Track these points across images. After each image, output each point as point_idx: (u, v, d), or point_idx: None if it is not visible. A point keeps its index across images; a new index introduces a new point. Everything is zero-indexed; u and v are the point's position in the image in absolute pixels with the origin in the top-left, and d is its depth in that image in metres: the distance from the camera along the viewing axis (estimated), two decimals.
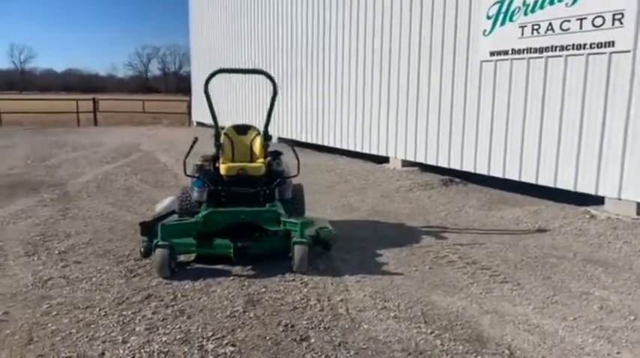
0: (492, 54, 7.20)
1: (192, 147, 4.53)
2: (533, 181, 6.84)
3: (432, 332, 3.02)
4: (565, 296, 3.61)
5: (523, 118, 6.89)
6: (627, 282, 3.91)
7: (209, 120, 4.84)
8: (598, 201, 6.13)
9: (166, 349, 2.77)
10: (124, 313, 3.21)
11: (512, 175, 7.11)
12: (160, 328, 3.02)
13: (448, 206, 6.55)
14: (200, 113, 19.95)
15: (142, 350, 2.75)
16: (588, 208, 6.06)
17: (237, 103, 16.64)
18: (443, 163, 8.27)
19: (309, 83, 12.27)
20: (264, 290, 3.61)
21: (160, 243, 3.77)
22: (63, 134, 16.38)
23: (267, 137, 4.90)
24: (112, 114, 23.42)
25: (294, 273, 3.89)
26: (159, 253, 3.74)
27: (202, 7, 20.19)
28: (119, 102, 27.71)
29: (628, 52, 5.63)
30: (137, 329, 3.01)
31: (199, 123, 20.45)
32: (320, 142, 11.94)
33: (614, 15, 5.72)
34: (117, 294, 3.50)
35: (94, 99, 22.45)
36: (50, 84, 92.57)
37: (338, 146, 11.25)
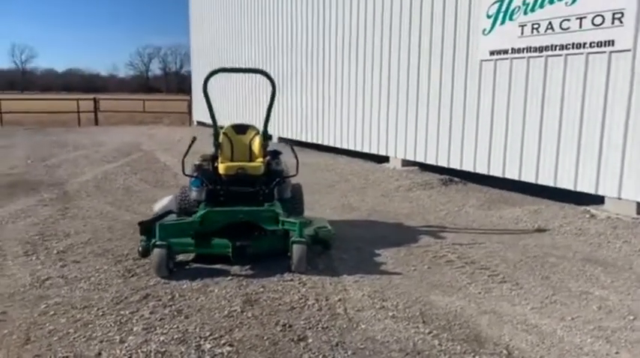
0: (492, 53, 7.19)
1: (190, 146, 4.53)
2: (533, 181, 6.83)
3: (430, 332, 3.01)
4: (564, 296, 3.60)
5: (523, 118, 6.88)
6: (627, 282, 3.90)
7: (209, 120, 4.83)
8: (598, 200, 6.12)
9: (163, 349, 2.77)
10: (122, 313, 3.20)
11: (512, 174, 7.10)
12: (158, 328, 3.01)
13: (447, 205, 6.54)
14: (201, 112, 19.95)
15: (139, 350, 2.75)
16: (588, 208, 6.05)
17: (237, 103, 16.64)
18: (442, 163, 8.26)
19: (309, 82, 12.26)
20: (262, 289, 3.61)
21: (157, 242, 3.77)
22: (63, 134, 16.39)
23: (266, 136, 4.89)
24: (113, 113, 23.44)
25: (292, 273, 3.89)
26: (156, 253, 3.74)
27: (202, 6, 20.19)
28: (120, 102, 27.76)
29: (628, 51, 5.61)
30: (135, 328, 3.00)
31: (200, 123, 20.46)
32: (320, 142, 11.94)
33: (613, 14, 5.70)
34: (115, 294, 3.50)
35: (94, 99, 22.47)
36: (51, 84, 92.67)
37: (338, 146, 11.24)
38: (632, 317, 3.26)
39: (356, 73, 10.40)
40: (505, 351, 2.81)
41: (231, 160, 4.76)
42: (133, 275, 3.86)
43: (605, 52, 5.83)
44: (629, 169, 5.72)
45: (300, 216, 4.68)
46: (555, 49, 6.37)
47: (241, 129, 5.00)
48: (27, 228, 5.17)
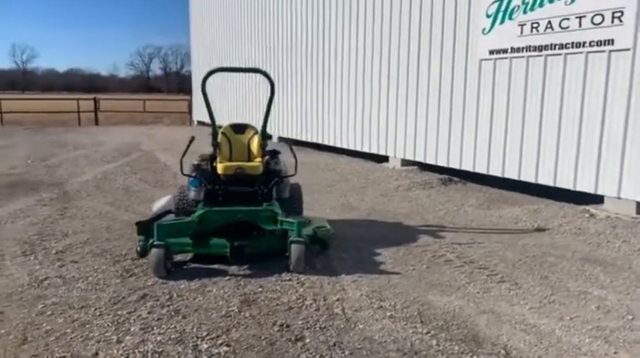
0: (492, 52, 7.18)
1: (188, 146, 4.52)
2: (532, 180, 6.82)
3: (427, 332, 3.00)
4: (563, 296, 3.59)
5: (522, 117, 6.87)
6: (626, 281, 3.89)
7: (209, 120, 4.82)
8: (597, 199, 6.10)
9: (160, 349, 2.76)
10: (119, 313, 3.20)
11: (512, 174, 7.09)
12: (155, 328, 3.01)
13: (447, 205, 6.53)
14: (201, 112, 19.93)
15: (136, 350, 2.74)
16: (588, 207, 6.04)
17: (237, 103, 16.64)
18: (442, 162, 8.25)
19: (309, 82, 12.25)
20: (260, 289, 3.60)
21: (155, 242, 3.76)
22: (63, 134, 16.40)
23: (264, 136, 4.88)
24: (113, 113, 23.46)
25: (290, 273, 3.88)
26: (154, 253, 3.73)
27: (202, 6, 20.19)
28: (120, 102, 27.78)
29: (628, 50, 5.60)
30: (132, 329, 3.00)
31: (200, 123, 20.46)
32: (320, 141, 11.93)
33: (613, 13, 5.69)
34: (113, 294, 3.50)
35: (94, 99, 22.48)
36: (52, 84, 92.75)
37: (338, 145, 11.24)
38: (630, 317, 3.25)
39: (355, 73, 10.39)
40: (503, 351, 2.80)
41: (230, 160, 4.74)
42: (131, 275, 3.85)
43: (604, 51, 5.82)
44: (628, 169, 5.70)
45: (299, 215, 4.68)
46: (555, 49, 6.35)
47: (240, 128, 4.98)
48: (26, 228, 5.17)
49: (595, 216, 5.76)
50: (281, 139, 13.35)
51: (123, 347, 2.78)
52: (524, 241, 4.94)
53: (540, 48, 6.53)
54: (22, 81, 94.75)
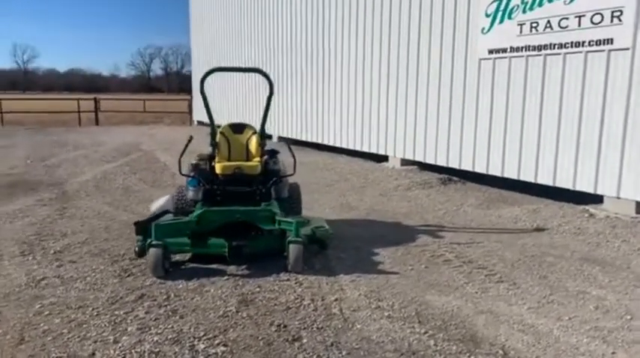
0: (491, 52, 7.17)
1: (187, 146, 4.51)
2: (532, 180, 6.81)
3: (425, 332, 3.00)
4: (561, 296, 3.58)
5: (522, 117, 6.86)
6: (625, 281, 3.88)
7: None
8: (597, 199, 6.09)
9: (157, 349, 2.76)
10: (117, 313, 3.20)
11: (511, 174, 7.08)
12: (152, 328, 3.00)
13: (446, 205, 6.52)
14: (201, 112, 19.91)
15: (133, 351, 2.74)
16: (587, 207, 6.03)
17: (237, 102, 16.64)
18: (441, 162, 8.24)
19: (308, 82, 12.25)
20: (258, 289, 3.60)
21: (153, 242, 3.76)
22: (64, 134, 16.40)
23: (263, 136, 4.87)
24: (114, 113, 23.47)
25: (289, 273, 3.88)
26: (152, 253, 3.73)
27: (202, 6, 20.19)
28: (121, 102, 27.81)
29: (627, 49, 5.58)
30: (129, 329, 2.99)
31: (200, 123, 20.46)
32: (320, 141, 11.92)
33: (612, 12, 5.68)
34: (110, 294, 3.49)
35: (94, 99, 22.49)
36: (53, 84, 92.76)
37: (338, 145, 11.23)
38: (629, 317, 3.24)
39: (355, 72, 10.38)
40: (501, 351, 2.80)
41: (228, 160, 4.74)
42: (129, 275, 3.85)
43: (604, 50, 5.81)
44: (627, 168, 5.69)
45: (297, 215, 4.67)
46: (554, 48, 6.34)
47: (238, 128, 4.98)
48: (24, 228, 5.17)
49: (594, 216, 5.75)
50: (281, 139, 13.34)
51: (120, 347, 2.78)
52: (524, 241, 4.94)
53: (540, 47, 6.52)
54: (23, 81, 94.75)
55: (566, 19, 6.18)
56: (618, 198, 5.79)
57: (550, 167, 6.52)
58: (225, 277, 3.80)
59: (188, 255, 4.21)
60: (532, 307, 3.38)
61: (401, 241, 4.82)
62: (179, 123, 22.31)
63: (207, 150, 4.77)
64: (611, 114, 5.82)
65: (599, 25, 5.82)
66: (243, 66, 15.05)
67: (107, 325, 3.03)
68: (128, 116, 23.60)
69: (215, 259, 4.07)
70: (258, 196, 4.49)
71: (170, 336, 2.90)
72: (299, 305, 3.35)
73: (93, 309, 3.24)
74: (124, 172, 8.82)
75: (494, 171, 7.33)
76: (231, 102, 16.87)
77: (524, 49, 6.72)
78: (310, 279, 3.78)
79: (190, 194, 4.46)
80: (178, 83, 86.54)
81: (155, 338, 2.87)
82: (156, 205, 5.08)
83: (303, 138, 12.58)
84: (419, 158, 8.74)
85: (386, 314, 3.24)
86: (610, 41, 5.72)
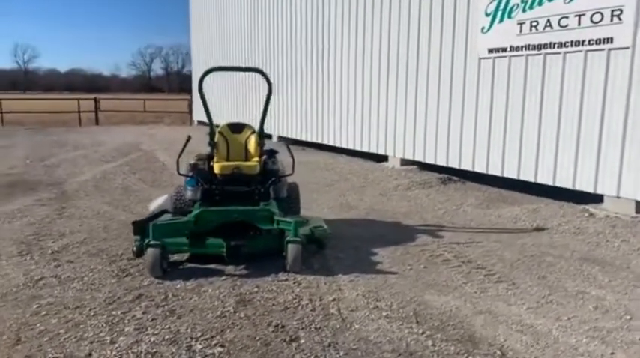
0: (491, 51, 7.15)
1: (185, 145, 4.50)
2: (531, 179, 6.79)
3: (423, 333, 2.98)
4: (560, 296, 3.57)
5: (521, 116, 6.84)
6: (624, 281, 3.86)
7: None
8: (597, 199, 6.07)
9: (154, 349, 2.75)
10: (114, 313, 3.19)
11: (511, 173, 7.06)
12: (149, 328, 2.99)
13: (446, 204, 6.51)
14: (201, 112, 19.82)
15: (130, 351, 2.73)
16: (587, 206, 6.01)
17: (237, 102, 16.63)
18: (441, 161, 8.22)
19: (308, 81, 12.23)
20: (256, 289, 3.59)
21: (151, 242, 3.74)
22: (64, 133, 16.41)
23: (262, 135, 4.86)
24: (114, 113, 23.48)
25: (287, 273, 3.86)
26: (150, 253, 3.72)
27: (202, 5, 20.19)
28: (121, 102, 27.82)
29: (627, 48, 5.57)
30: (126, 329, 2.98)
31: (200, 122, 20.45)
32: (320, 141, 11.91)
33: (612, 11, 5.66)
34: (108, 294, 3.48)
35: (95, 99, 22.50)
36: (54, 84, 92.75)
37: (338, 145, 11.22)
38: (628, 317, 3.22)
39: (355, 72, 10.36)
40: (499, 352, 2.78)
41: (227, 159, 4.73)
42: (126, 275, 3.84)
43: (603, 49, 5.79)
44: (627, 167, 5.68)
45: (296, 215, 4.66)
46: (554, 47, 6.33)
47: (237, 128, 4.97)
48: (23, 228, 5.16)
49: (594, 216, 5.73)
50: (281, 139, 13.33)
51: (116, 347, 2.77)
52: (523, 241, 4.92)
53: (539, 47, 6.50)
54: (23, 81, 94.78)
55: (566, 18, 6.17)
56: (618, 197, 5.77)
57: (550, 166, 6.50)
58: (223, 277, 3.79)
59: (186, 255, 4.20)
60: (531, 307, 3.37)
61: (400, 241, 4.81)
62: (179, 123, 22.31)
63: (205, 149, 4.76)
64: (611, 114, 5.80)
65: (599, 24, 5.80)
66: (242, 65, 15.08)
67: (104, 325, 3.02)
68: (128, 116, 23.61)
69: (213, 259, 4.05)
70: (257, 196, 4.47)
71: (167, 336, 2.89)
72: (297, 305, 3.34)
73: (90, 309, 3.23)
74: (123, 172, 8.81)
75: (494, 170, 7.32)
76: (230, 101, 16.87)
77: (524, 49, 6.70)
78: (308, 279, 3.77)
79: (189, 194, 4.45)
80: (179, 83, 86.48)
81: (152, 339, 2.86)
82: (154, 205, 5.09)
83: (303, 138, 12.57)
84: (419, 158, 8.72)
85: (384, 314, 3.22)
86: (610, 40, 5.71)
